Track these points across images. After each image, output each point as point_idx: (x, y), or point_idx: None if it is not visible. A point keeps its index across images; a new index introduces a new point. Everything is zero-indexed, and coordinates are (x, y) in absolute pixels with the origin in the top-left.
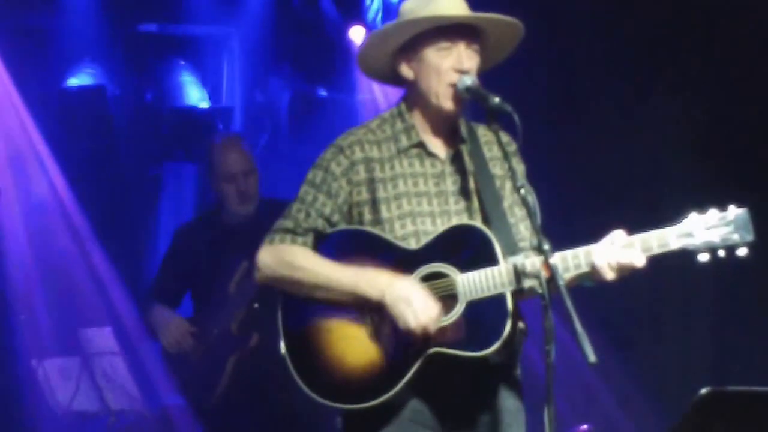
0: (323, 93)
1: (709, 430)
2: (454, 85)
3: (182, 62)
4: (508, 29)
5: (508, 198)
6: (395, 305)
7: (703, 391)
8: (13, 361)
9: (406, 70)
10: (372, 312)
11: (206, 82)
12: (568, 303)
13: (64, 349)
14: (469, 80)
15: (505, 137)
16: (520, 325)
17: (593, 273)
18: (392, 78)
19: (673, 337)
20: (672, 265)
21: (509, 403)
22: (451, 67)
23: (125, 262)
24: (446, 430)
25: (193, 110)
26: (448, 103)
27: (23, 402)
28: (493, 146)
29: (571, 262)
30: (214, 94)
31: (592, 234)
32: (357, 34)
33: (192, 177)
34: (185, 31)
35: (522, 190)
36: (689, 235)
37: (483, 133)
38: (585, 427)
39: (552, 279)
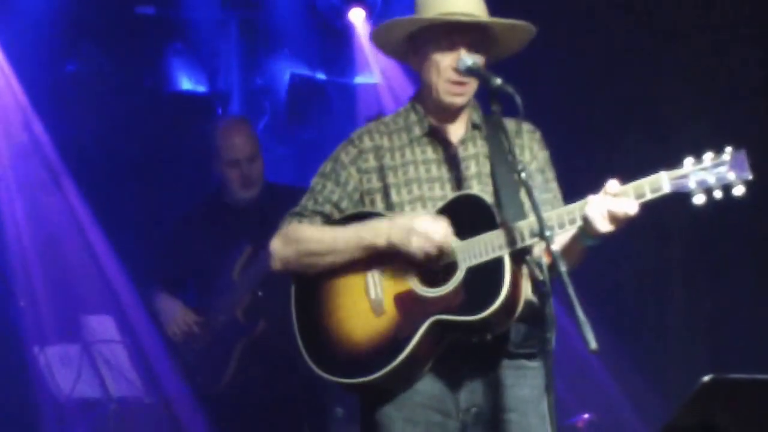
0: (322, 76)
1: (711, 417)
2: (453, 83)
3: (180, 46)
4: (517, 32)
5: (537, 185)
6: (403, 240)
7: (705, 378)
8: (15, 349)
9: (414, 63)
10: (376, 278)
11: (204, 66)
12: (570, 289)
13: (64, 336)
14: (470, 60)
15: (527, 125)
16: (532, 298)
17: (588, 225)
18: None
19: (676, 325)
20: (675, 253)
21: (526, 392)
22: (450, 66)
23: (126, 248)
24: (461, 416)
25: (192, 94)
26: (448, 98)
27: (25, 389)
28: (512, 133)
29: (566, 217)
30: (212, 78)
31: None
32: (357, 17)
33: (191, 162)
34: (183, 14)
35: (522, 174)
36: (683, 176)
37: (507, 122)
38: (587, 415)
39: (553, 265)
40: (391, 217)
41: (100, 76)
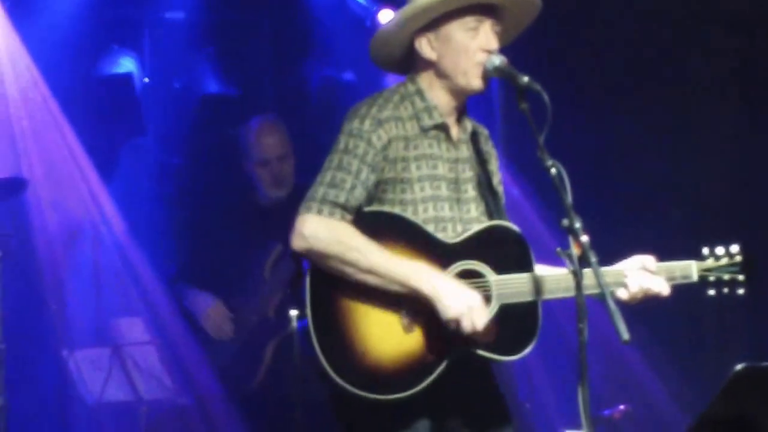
0: (352, 77)
1: (745, 405)
2: (482, 65)
3: (211, 48)
4: (526, 7)
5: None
6: (451, 308)
7: (739, 367)
8: (45, 352)
9: (427, 49)
10: (411, 303)
11: (235, 68)
12: (602, 281)
13: (94, 339)
14: (498, 60)
15: (485, 130)
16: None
17: (621, 294)
18: (398, 64)
19: (710, 314)
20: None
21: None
22: (479, 47)
23: (156, 249)
24: (446, 420)
25: (223, 96)
26: (475, 82)
27: (55, 393)
28: (481, 138)
29: (601, 279)
30: (243, 81)
31: (613, 243)
32: (386, 18)
33: (223, 163)
34: (214, 17)
35: (553, 170)
36: (708, 270)
37: (472, 124)
38: (623, 406)
39: (584, 256)
40: (446, 278)
41: (129, 80)
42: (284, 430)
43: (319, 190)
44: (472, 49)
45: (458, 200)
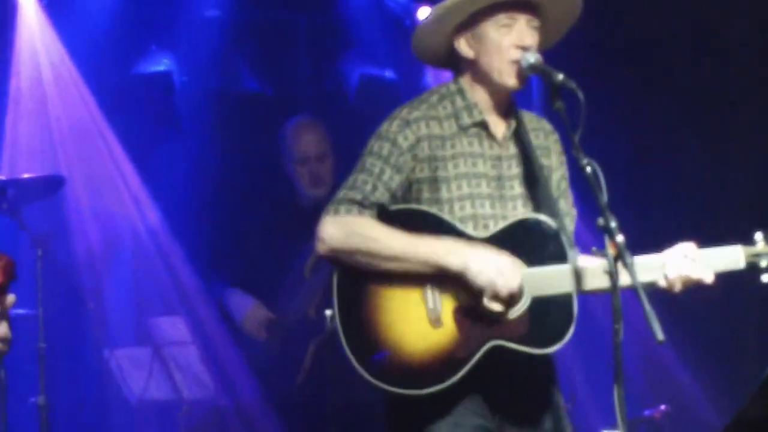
0: (392, 76)
1: None
2: (516, 62)
3: (249, 48)
4: (566, 5)
5: (555, 190)
6: (483, 273)
7: None
8: (86, 352)
9: (465, 49)
10: (436, 288)
11: (273, 67)
12: (637, 281)
13: (135, 338)
14: (532, 57)
15: (548, 125)
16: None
17: (661, 284)
18: (445, 60)
19: (749, 313)
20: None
21: (558, 398)
22: (513, 44)
23: (195, 249)
24: (497, 421)
25: (260, 96)
26: (511, 80)
27: (95, 392)
28: (540, 134)
29: (636, 280)
30: (281, 80)
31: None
32: (425, 15)
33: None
34: (251, 16)
35: (588, 168)
36: (757, 255)
37: (528, 119)
38: (663, 407)
39: (619, 256)
40: (473, 246)
41: (167, 78)
42: (325, 430)
43: (339, 193)
44: (506, 46)
45: (502, 197)
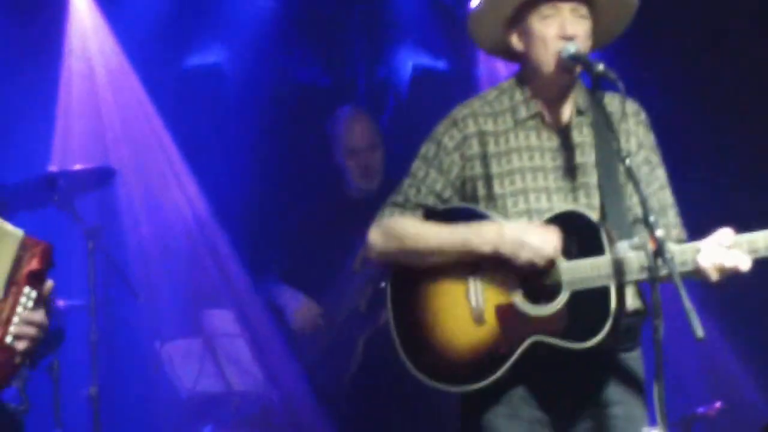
0: (445, 66)
1: None
2: (559, 54)
3: (303, 38)
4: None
5: (642, 177)
6: (512, 249)
7: None
8: (136, 343)
9: (516, 42)
10: (478, 286)
11: (326, 58)
12: (677, 277)
13: (186, 330)
14: (573, 48)
15: (632, 107)
16: (636, 305)
17: (696, 273)
18: (506, 52)
19: None
20: None
21: (626, 384)
22: (556, 35)
23: (245, 241)
24: (554, 414)
25: (314, 87)
26: (555, 75)
27: (147, 384)
28: (619, 117)
29: (677, 258)
30: (334, 71)
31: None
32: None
33: (313, 155)
34: (304, 6)
35: (627, 161)
36: None
37: (609, 102)
38: (718, 404)
39: (659, 251)
40: (501, 225)
41: (220, 70)
42: (376, 424)
43: (387, 199)
44: (549, 38)
45: (562, 189)
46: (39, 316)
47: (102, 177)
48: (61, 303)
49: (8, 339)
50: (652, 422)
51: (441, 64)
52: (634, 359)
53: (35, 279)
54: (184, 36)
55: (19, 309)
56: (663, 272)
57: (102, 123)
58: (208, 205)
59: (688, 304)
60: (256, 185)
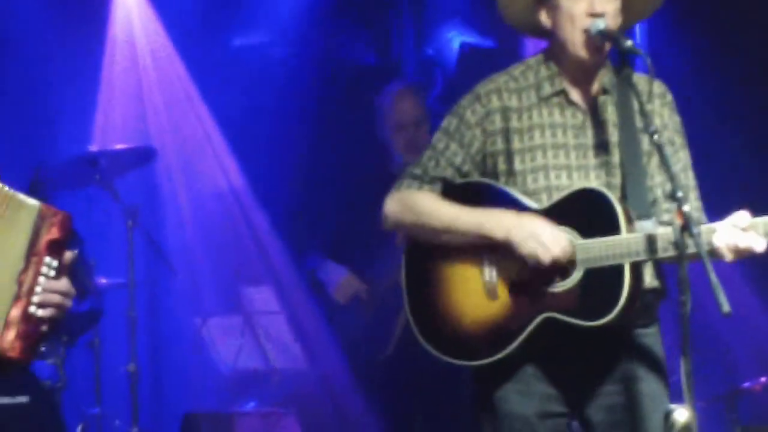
0: (492, 43)
1: None
2: (587, 31)
3: (349, 17)
4: None
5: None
6: (524, 241)
7: None
8: (177, 321)
9: (545, 19)
10: (492, 262)
11: (375, 36)
12: (703, 251)
13: (225, 307)
14: (602, 24)
15: (659, 87)
16: (653, 284)
17: (712, 252)
18: (535, 28)
19: None
20: None
21: (646, 361)
22: (584, 12)
23: (287, 219)
24: (567, 390)
25: (360, 66)
26: (583, 51)
27: (189, 361)
28: (647, 97)
29: (703, 251)
30: (383, 49)
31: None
32: None
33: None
34: None
35: (655, 136)
36: None
37: (637, 81)
38: (763, 379)
39: (686, 226)
40: (518, 216)
41: (265, 50)
42: (414, 401)
43: (407, 168)
44: (578, 14)
45: (584, 167)
46: (62, 284)
47: (142, 156)
48: (102, 281)
49: (32, 309)
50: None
51: (488, 42)
52: (652, 335)
53: (55, 248)
54: (229, 16)
55: (41, 279)
56: (690, 249)
57: (143, 102)
58: (249, 183)
59: (714, 278)
60: (300, 163)
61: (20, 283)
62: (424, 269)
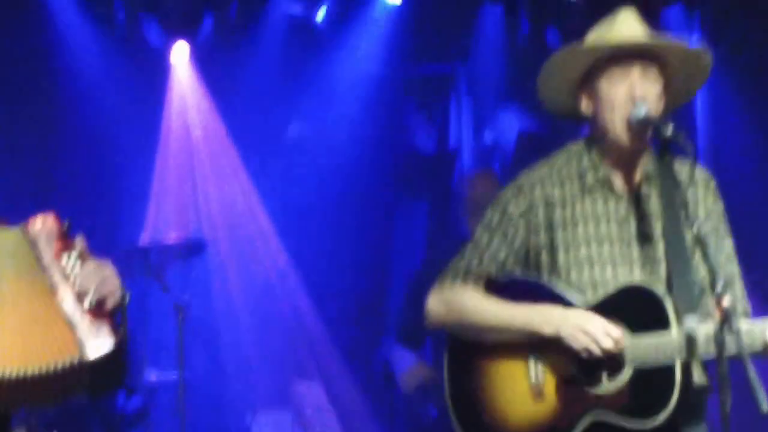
0: (548, 129)
1: None
2: (628, 118)
3: (411, 103)
4: (690, 56)
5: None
6: (574, 335)
7: None
8: (227, 414)
9: (585, 106)
10: (539, 360)
11: (434, 121)
12: (743, 348)
13: (276, 402)
14: (643, 110)
15: (701, 174)
16: (702, 381)
17: (766, 351)
18: (577, 114)
19: None
20: None
21: None
22: (625, 96)
23: (357, 300)
24: None
25: (422, 153)
26: (624, 139)
27: None
28: (689, 185)
29: (745, 338)
30: (442, 134)
31: None
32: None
33: (423, 218)
34: (414, 70)
35: (697, 229)
36: None
37: (679, 169)
38: None
39: (726, 320)
40: (566, 310)
41: (319, 139)
42: None
43: (450, 264)
44: (618, 101)
45: (628, 260)
46: (91, 265)
47: (192, 249)
48: (152, 378)
49: (86, 304)
50: None
51: (545, 128)
52: None
53: (62, 241)
54: (287, 101)
55: (72, 276)
56: (730, 345)
57: (197, 193)
58: (302, 278)
59: (753, 375)
60: (359, 249)
61: (54, 289)
62: (467, 369)
